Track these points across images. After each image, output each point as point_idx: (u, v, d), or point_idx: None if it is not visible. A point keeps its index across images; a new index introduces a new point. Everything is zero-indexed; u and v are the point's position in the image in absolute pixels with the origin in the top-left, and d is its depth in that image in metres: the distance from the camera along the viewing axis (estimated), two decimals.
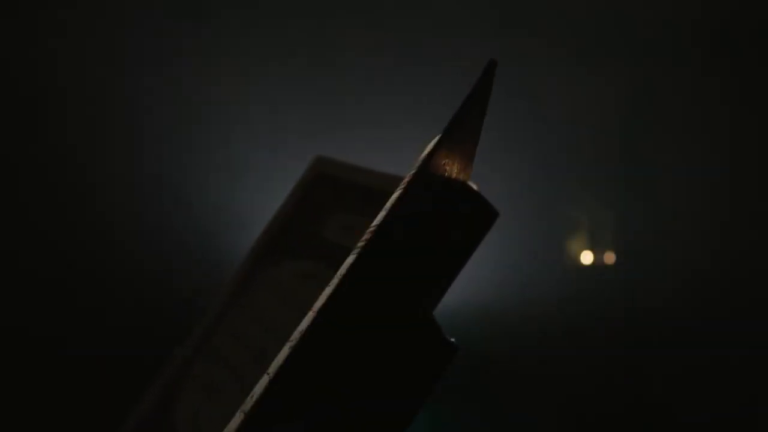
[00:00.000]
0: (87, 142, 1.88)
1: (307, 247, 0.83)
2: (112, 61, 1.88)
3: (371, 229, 0.68)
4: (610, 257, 1.99)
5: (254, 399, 0.59)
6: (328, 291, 0.62)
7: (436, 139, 0.64)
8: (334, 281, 0.62)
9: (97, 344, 1.75)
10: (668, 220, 1.94)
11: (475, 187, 0.66)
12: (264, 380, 0.63)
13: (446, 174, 0.64)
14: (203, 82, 1.88)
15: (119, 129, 1.90)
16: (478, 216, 0.63)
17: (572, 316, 1.89)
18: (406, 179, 0.63)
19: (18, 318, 1.80)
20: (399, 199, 0.61)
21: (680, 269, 1.90)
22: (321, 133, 1.84)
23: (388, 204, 0.62)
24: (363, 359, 0.60)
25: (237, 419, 0.61)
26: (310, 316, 0.61)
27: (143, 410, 0.84)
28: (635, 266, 1.95)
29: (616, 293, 1.91)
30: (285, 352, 0.61)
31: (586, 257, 1.97)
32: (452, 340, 0.62)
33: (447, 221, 0.64)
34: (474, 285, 1.74)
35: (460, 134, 0.63)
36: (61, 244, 1.84)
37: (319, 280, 0.79)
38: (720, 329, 1.83)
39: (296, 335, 0.61)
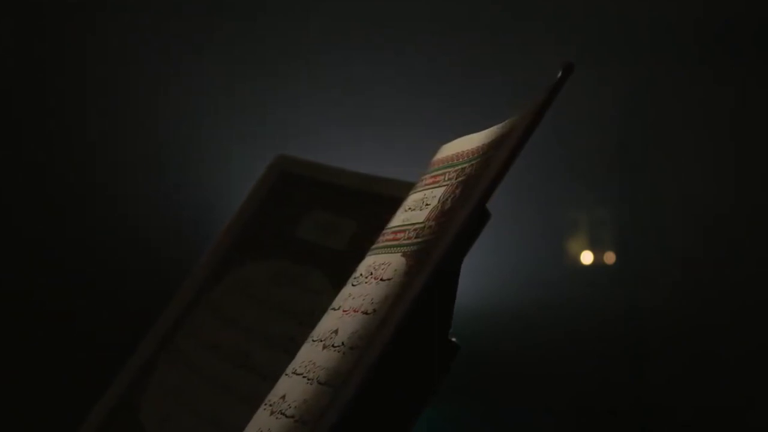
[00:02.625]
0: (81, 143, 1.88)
1: (278, 246, 0.82)
2: (111, 60, 1.88)
3: (396, 228, 0.67)
4: (610, 257, 1.99)
5: (313, 406, 0.58)
6: (386, 291, 0.60)
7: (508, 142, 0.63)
8: (395, 280, 0.60)
9: (94, 343, 1.75)
10: (668, 220, 1.93)
11: None
12: (297, 381, 0.62)
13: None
14: (201, 81, 1.88)
15: (117, 132, 1.90)
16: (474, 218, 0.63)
17: (572, 316, 1.89)
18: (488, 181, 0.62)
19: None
20: (479, 203, 0.61)
21: (680, 269, 1.90)
22: (317, 132, 1.84)
23: (463, 212, 0.61)
24: (405, 363, 0.59)
25: (284, 424, 0.59)
26: (374, 318, 0.59)
27: (106, 407, 0.82)
28: (635, 266, 1.95)
29: (616, 293, 1.91)
30: (340, 356, 0.59)
31: (586, 257, 1.97)
32: (453, 339, 0.62)
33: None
34: (474, 285, 1.74)
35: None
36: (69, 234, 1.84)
37: (294, 279, 0.78)
38: (720, 329, 1.83)
39: (356, 339, 0.59)
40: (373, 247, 0.69)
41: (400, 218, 0.68)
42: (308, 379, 0.61)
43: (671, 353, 1.88)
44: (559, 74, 0.61)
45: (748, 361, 1.82)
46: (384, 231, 0.70)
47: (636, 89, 1.93)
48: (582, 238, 1.98)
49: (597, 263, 1.97)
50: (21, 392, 1.74)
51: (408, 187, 0.75)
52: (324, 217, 0.81)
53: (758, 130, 1.91)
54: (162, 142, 1.88)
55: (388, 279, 0.62)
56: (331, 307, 0.67)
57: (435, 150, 0.74)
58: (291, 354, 0.72)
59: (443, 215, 0.63)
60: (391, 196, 0.77)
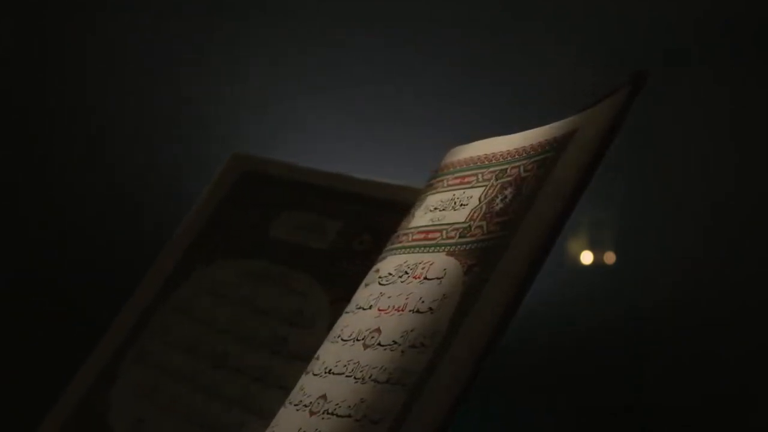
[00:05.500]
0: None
1: (249, 246, 0.81)
2: (111, 60, 1.88)
3: (426, 228, 0.66)
4: (610, 257, 1.99)
5: (379, 405, 0.56)
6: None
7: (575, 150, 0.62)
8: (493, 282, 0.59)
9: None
10: (668, 219, 1.93)
11: None
12: (339, 381, 0.61)
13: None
14: (201, 81, 1.89)
15: (117, 132, 1.90)
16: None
17: (572, 316, 1.89)
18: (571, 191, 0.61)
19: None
20: (571, 201, 0.61)
21: (680, 269, 1.90)
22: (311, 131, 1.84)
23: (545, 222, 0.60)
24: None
25: (341, 424, 0.58)
26: (434, 317, 0.59)
27: (68, 407, 0.80)
28: (635, 266, 1.95)
29: (616, 293, 1.91)
30: (397, 354, 0.58)
31: (586, 257, 1.97)
32: None
33: None
34: None
35: None
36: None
37: (275, 279, 0.77)
38: (720, 329, 1.83)
39: (417, 338, 0.58)
40: (393, 246, 0.68)
41: (425, 218, 0.68)
42: (356, 378, 0.60)
43: (671, 353, 1.88)
44: (633, 81, 0.60)
45: (748, 361, 1.82)
46: (405, 231, 0.69)
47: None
48: (582, 238, 1.98)
49: (597, 263, 1.97)
50: (21, 392, 1.74)
51: (385, 188, 0.76)
52: (302, 216, 0.80)
53: (758, 130, 1.91)
54: (162, 143, 1.88)
55: (438, 278, 0.61)
56: (356, 306, 0.66)
57: (437, 150, 0.73)
58: (281, 355, 0.71)
59: (497, 215, 0.62)
60: (372, 197, 0.77)
